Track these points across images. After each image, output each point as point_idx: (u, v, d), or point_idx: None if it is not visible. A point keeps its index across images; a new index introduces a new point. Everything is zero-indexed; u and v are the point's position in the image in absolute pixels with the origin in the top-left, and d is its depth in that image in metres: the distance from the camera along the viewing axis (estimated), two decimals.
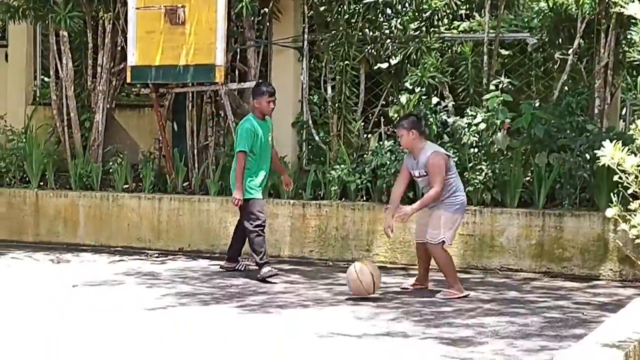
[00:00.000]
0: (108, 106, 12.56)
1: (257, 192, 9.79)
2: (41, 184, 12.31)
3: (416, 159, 8.93)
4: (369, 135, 11.68)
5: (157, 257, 11.21)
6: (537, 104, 10.93)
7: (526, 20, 11.94)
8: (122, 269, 10.34)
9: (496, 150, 10.56)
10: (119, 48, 12.43)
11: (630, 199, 5.40)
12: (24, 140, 12.47)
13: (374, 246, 10.81)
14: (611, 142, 5.27)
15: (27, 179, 12.33)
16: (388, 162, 10.75)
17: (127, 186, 12.06)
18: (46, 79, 13.36)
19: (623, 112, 12.18)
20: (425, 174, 8.88)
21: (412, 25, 11.64)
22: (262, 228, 9.75)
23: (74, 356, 6.72)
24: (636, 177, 5.26)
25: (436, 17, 11.44)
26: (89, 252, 11.43)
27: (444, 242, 8.83)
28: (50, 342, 7.08)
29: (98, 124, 12.45)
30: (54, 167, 12.31)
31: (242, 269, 10.21)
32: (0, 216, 12.20)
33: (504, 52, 11.67)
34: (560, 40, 11.17)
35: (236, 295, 9.01)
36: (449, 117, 11.01)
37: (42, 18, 12.19)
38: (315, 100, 12.03)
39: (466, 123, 10.61)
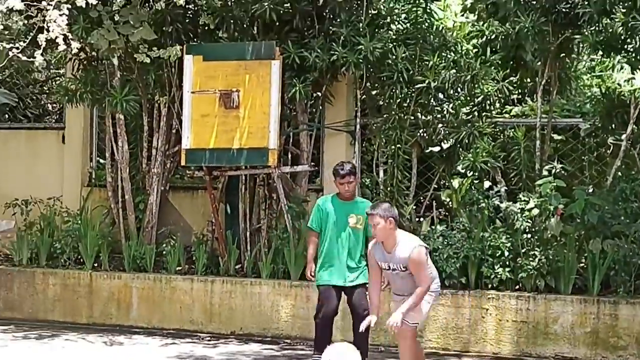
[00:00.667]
0: (162, 188, 12.69)
1: (321, 277, 9.50)
2: (95, 265, 12.40)
3: (390, 252, 8.11)
4: (421, 219, 11.69)
5: (209, 340, 11.22)
6: (590, 190, 10.89)
7: (578, 105, 11.97)
8: (174, 352, 10.36)
9: (549, 236, 10.50)
10: (173, 131, 12.59)
11: None
12: (79, 221, 12.60)
13: (426, 331, 10.73)
14: None
15: (82, 260, 12.44)
16: (440, 247, 10.72)
17: (179, 268, 12.12)
18: (102, 160, 13.54)
19: None
20: (404, 269, 8.07)
21: (464, 110, 11.69)
22: (320, 319, 9.52)
23: None
24: None
25: (488, 101, 11.49)
26: (142, 335, 11.46)
27: (417, 326, 8.30)
28: None
29: (152, 205, 12.57)
30: (108, 248, 12.41)
31: None
32: (55, 297, 12.30)
33: (556, 137, 11.68)
34: (613, 125, 11.16)
35: None
36: (501, 202, 11.00)
37: (99, 101, 12.41)
38: (367, 184, 12.08)
39: (519, 208, 10.58)
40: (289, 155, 12.34)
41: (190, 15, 12.39)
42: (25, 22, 11.38)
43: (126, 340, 11.17)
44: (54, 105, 16.10)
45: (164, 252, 12.13)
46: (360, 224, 9.32)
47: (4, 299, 12.48)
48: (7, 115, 15.29)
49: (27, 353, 10.41)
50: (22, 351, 10.48)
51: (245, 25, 11.95)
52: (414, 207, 11.70)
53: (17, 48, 10.53)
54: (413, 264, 7.95)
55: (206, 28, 12.16)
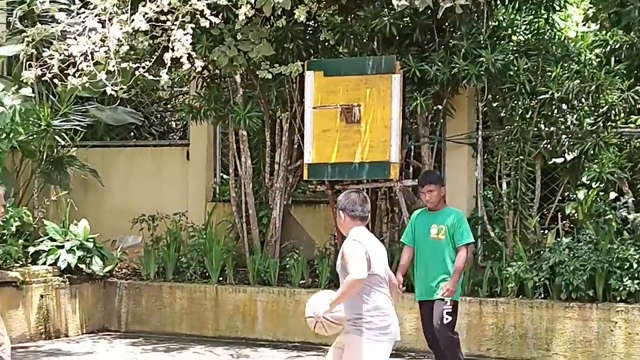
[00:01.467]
0: (285, 202, 12.82)
1: (418, 292, 9.49)
2: (220, 279, 12.58)
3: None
4: (546, 232, 11.56)
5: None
6: None
7: None
8: None
9: None
10: (295, 146, 12.72)
11: None
12: (205, 236, 12.82)
13: (553, 345, 10.61)
14: None
15: (207, 274, 12.64)
16: (567, 259, 10.58)
17: (303, 282, 12.23)
18: (225, 176, 13.76)
19: None
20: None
21: (589, 120, 11.50)
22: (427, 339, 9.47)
23: None
24: None
25: (613, 111, 11.29)
26: (267, 347, 11.58)
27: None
28: None
29: (275, 220, 12.71)
30: (233, 262, 12.59)
31: None
32: (182, 311, 12.52)
33: None
34: None
35: None
36: (629, 213, 10.80)
37: (223, 118, 12.63)
38: (489, 196, 12.00)
39: None
40: (411, 169, 12.36)
41: (311, 32, 12.55)
42: (150, 42, 11.63)
43: (252, 353, 11.31)
44: (178, 122, 16.43)
45: (288, 266, 12.25)
46: (442, 234, 9.13)
47: (132, 313, 12.77)
48: (132, 133, 15.68)
49: None
50: None
51: (365, 40, 12.05)
52: (539, 219, 11.57)
53: (143, 67, 10.83)
54: (343, 257, 6.91)
55: (326, 44, 12.29)
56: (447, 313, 9.02)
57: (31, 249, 12.51)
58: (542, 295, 10.94)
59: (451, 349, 9.15)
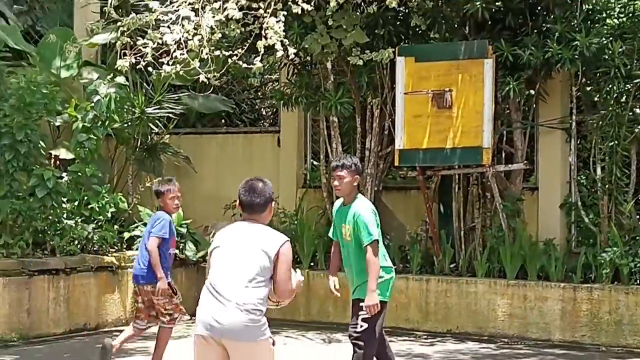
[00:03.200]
0: (375, 188, 12.82)
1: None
2: (312, 264, 12.66)
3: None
4: None
5: (425, 338, 11.28)
6: None
7: None
8: (392, 350, 10.42)
9: None
10: (386, 132, 12.70)
11: None
12: (296, 222, 12.91)
13: None
14: None
15: (299, 259, 12.72)
16: None
17: (395, 267, 12.20)
18: (316, 162, 13.82)
19: None
20: None
21: None
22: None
23: None
24: None
25: None
26: None
27: None
28: None
29: None
30: (324, 248, 12.63)
31: None
32: None
33: None
34: None
35: None
36: None
37: (314, 104, 12.67)
38: (583, 182, 11.87)
39: None
40: (503, 154, 12.28)
41: (402, 18, 12.51)
42: (242, 29, 11.72)
43: (344, 338, 11.31)
44: (269, 109, 16.54)
45: None
46: (348, 235, 7.78)
47: None
48: (224, 121, 15.81)
49: None
50: None
51: (456, 25, 11.99)
52: (634, 204, 11.40)
53: (236, 55, 10.93)
54: None
55: (417, 29, 12.25)
56: (364, 319, 7.81)
57: (126, 235, 12.73)
58: (638, 282, 10.80)
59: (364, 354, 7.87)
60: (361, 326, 7.77)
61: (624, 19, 11.52)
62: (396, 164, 12.05)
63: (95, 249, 12.18)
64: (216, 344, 5.85)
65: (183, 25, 10.89)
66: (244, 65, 11.16)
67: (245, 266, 5.87)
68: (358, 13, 12.00)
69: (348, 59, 11.95)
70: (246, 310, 5.79)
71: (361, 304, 7.78)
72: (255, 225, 6.01)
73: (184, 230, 12.85)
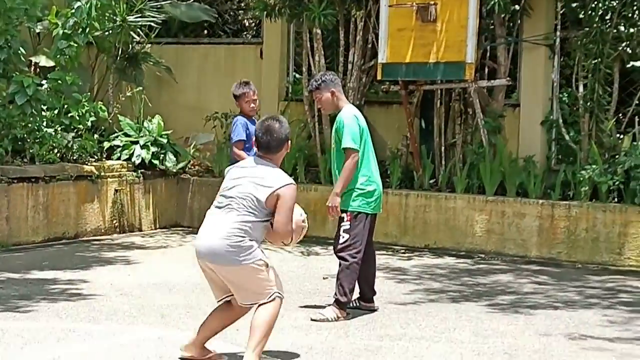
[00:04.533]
0: (357, 102, 12.73)
1: None
2: (292, 176, 12.62)
3: None
4: (622, 136, 11.39)
5: (403, 253, 11.34)
6: None
7: None
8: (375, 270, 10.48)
9: None
10: (369, 45, 12.61)
11: None
12: None
13: (625, 249, 10.55)
14: None
15: None
16: None
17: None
18: (298, 75, 13.74)
19: None
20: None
21: None
22: None
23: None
24: None
25: None
26: None
27: None
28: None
29: None
30: (305, 161, 12.64)
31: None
32: None
33: None
34: None
35: (484, 293, 9.01)
36: None
37: (297, 16, 12.53)
38: (565, 99, 11.85)
39: None
40: (486, 70, 12.22)
41: None
42: None
43: (322, 251, 11.40)
44: (252, 20, 16.36)
45: None
46: (333, 142, 8.02)
47: (204, 209, 12.71)
48: (206, 31, 15.66)
49: None
50: None
51: None
52: (615, 122, 11.40)
53: None
54: None
55: None
56: (344, 230, 7.85)
57: (106, 144, 12.67)
58: (616, 200, 10.85)
59: (345, 274, 7.84)
60: (342, 237, 7.85)
61: None
62: (379, 77, 11.99)
63: (75, 157, 12.11)
64: (209, 268, 6.26)
65: None
66: None
67: (236, 195, 6.23)
68: None
69: None
70: (226, 236, 6.12)
71: (342, 214, 7.81)
72: (266, 164, 6.36)
73: (164, 140, 12.79)
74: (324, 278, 9.66)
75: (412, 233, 11.75)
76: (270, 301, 6.20)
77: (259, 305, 6.21)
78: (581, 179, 10.89)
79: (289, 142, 6.51)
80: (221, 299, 6.39)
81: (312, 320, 7.73)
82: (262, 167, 6.34)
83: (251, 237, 6.16)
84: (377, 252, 9.92)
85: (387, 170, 12.23)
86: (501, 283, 9.55)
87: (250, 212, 6.18)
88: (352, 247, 7.85)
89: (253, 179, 6.28)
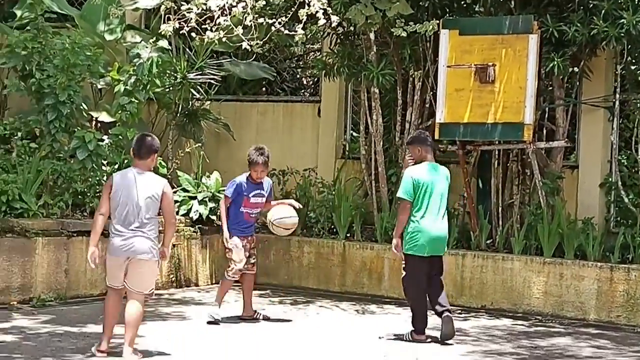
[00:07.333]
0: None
1: None
2: (348, 235, 12.66)
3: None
4: None
5: (459, 313, 11.26)
6: None
7: None
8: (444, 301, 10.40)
9: None
10: (427, 105, 12.66)
11: None
12: (333, 192, 12.91)
13: None
14: None
15: (335, 230, 12.74)
16: None
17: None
18: (355, 134, 13.80)
19: None
20: None
21: None
22: None
23: None
24: None
25: None
26: (393, 305, 11.60)
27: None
28: None
29: None
30: (361, 219, 12.64)
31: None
32: (309, 265, 12.66)
33: None
34: None
35: (543, 356, 8.92)
36: None
37: (355, 75, 12.62)
38: (624, 161, 11.78)
39: None
40: (544, 131, 12.19)
41: None
42: None
43: (378, 310, 11.37)
44: (310, 79, 16.51)
45: None
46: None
47: (260, 265, 12.86)
48: (265, 89, 15.83)
49: (284, 317, 10.78)
50: (279, 315, 10.85)
51: (501, 0, 11.88)
52: None
53: (279, 23, 10.92)
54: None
55: (462, 2, 12.22)
56: (403, 268, 9.56)
57: None
58: None
59: (410, 303, 9.60)
60: (402, 273, 9.54)
61: None
62: (436, 137, 11.96)
63: None
64: None
65: None
66: (287, 33, 11.15)
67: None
68: None
69: (391, 30, 11.88)
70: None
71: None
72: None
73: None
74: (379, 338, 9.63)
75: (469, 293, 11.68)
76: None
77: None
78: None
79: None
80: None
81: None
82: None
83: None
84: (432, 312, 9.94)
85: None
86: (559, 346, 9.45)
87: None
88: (405, 281, 9.51)
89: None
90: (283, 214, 10.28)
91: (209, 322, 10.05)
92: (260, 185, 10.26)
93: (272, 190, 10.56)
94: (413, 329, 9.47)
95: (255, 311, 10.48)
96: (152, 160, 8.41)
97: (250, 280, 10.44)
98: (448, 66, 11.64)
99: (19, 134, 12.01)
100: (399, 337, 9.50)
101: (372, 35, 12.35)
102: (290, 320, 10.52)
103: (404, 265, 9.49)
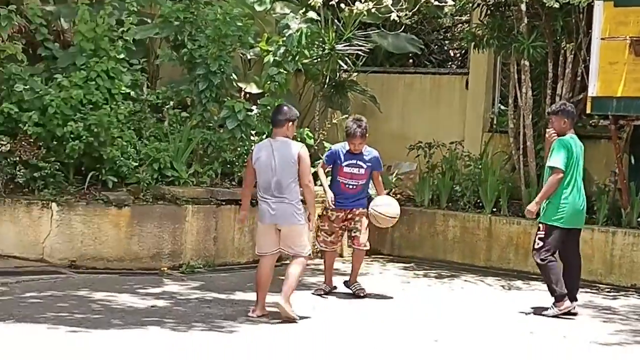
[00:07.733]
0: None
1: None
2: (494, 210, 12.51)
3: None
4: None
5: (608, 291, 11.03)
6: None
7: None
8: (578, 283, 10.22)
9: None
10: (578, 78, 12.36)
11: None
12: (480, 166, 12.77)
13: None
14: None
15: (481, 204, 12.61)
16: None
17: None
18: (503, 107, 13.61)
19: None
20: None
21: None
22: None
23: None
24: None
25: None
26: (539, 281, 11.38)
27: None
28: None
29: None
30: (508, 194, 12.48)
31: None
32: (454, 239, 12.57)
33: None
34: None
35: None
36: None
37: (505, 47, 12.42)
38: None
39: None
40: None
41: None
42: None
43: (524, 286, 11.22)
44: (457, 51, 16.35)
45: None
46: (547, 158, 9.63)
47: (405, 238, 12.94)
48: (411, 61, 15.74)
49: (428, 291, 10.75)
50: (423, 289, 10.83)
51: None
52: None
53: None
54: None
55: None
56: (539, 238, 9.43)
57: (312, 169, 12.80)
58: None
59: (543, 273, 9.50)
60: (537, 243, 9.43)
61: None
62: (588, 111, 11.72)
63: None
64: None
65: None
66: (436, 4, 11.05)
67: None
68: None
69: (543, 1, 11.64)
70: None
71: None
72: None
73: None
74: (526, 314, 9.53)
75: (619, 272, 11.41)
76: None
77: None
78: None
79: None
80: None
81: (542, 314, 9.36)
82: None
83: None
84: (581, 289, 9.76)
85: (593, 206, 11.93)
86: None
87: None
88: (540, 251, 9.39)
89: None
90: (388, 202, 10.21)
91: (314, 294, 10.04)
92: (358, 156, 10.13)
93: (380, 162, 10.39)
94: (554, 300, 9.36)
95: (335, 286, 10.26)
96: (288, 129, 8.67)
97: (332, 257, 10.27)
98: (602, 38, 11.35)
99: (171, 103, 12.27)
100: (543, 314, 9.38)
101: (523, 7, 12.12)
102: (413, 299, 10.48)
103: (542, 235, 9.39)
